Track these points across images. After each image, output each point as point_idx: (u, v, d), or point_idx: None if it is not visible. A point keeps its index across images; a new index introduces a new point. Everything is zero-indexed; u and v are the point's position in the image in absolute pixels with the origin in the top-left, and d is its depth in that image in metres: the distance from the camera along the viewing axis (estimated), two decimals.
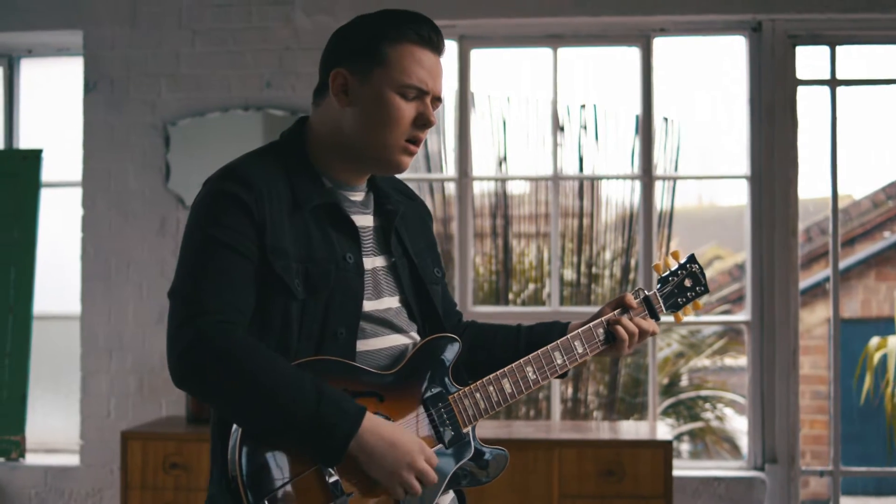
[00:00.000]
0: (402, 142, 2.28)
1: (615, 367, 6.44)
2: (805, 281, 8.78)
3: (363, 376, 2.24)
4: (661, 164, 5.95)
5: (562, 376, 2.50)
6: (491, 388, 2.35)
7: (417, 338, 2.40)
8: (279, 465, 2.12)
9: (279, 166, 2.28)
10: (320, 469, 2.14)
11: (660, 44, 5.68)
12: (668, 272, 2.62)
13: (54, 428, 6.06)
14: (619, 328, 2.47)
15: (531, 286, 6.37)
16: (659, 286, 2.60)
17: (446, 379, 2.34)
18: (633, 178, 5.87)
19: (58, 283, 6.00)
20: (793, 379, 5.47)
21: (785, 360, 5.47)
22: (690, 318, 6.72)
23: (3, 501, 5.77)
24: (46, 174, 5.89)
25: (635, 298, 2.53)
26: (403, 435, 2.17)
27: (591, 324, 2.49)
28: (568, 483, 4.79)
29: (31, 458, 5.82)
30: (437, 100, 2.32)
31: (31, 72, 6.18)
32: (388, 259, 2.38)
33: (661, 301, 2.57)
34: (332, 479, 2.14)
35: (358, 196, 2.38)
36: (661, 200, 5.98)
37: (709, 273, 7.75)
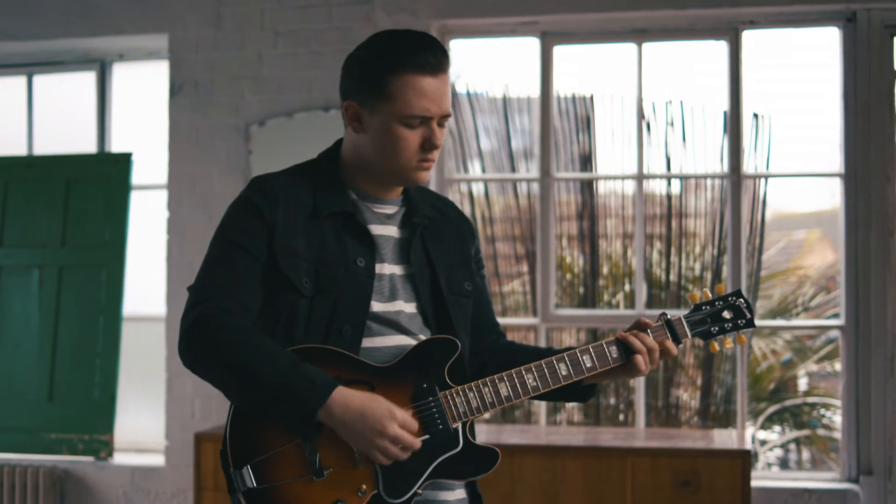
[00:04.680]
0: (414, 164, 2.45)
1: (708, 372, 6.23)
2: None
3: (358, 367, 2.37)
4: (750, 162, 5.71)
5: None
6: (486, 389, 2.44)
7: None
8: (264, 438, 2.32)
9: (307, 179, 2.49)
10: (302, 444, 2.31)
11: (749, 37, 5.47)
12: (703, 301, 2.64)
13: (143, 428, 6.14)
14: (633, 339, 2.52)
15: (626, 287, 6.20)
16: (689, 311, 2.64)
17: (441, 376, 2.42)
18: (721, 176, 5.65)
19: (146, 284, 6.07)
20: (890, 386, 5.20)
21: (882, 366, 5.21)
22: (795, 322, 6.48)
23: (91, 500, 5.86)
24: (135, 177, 5.98)
25: (656, 322, 2.57)
26: (373, 402, 2.29)
27: (604, 341, 2.55)
28: (642, 493, 4.62)
29: (119, 458, 5.92)
30: (445, 117, 2.46)
31: (123, 76, 6.27)
32: (407, 268, 2.52)
33: (685, 325, 2.60)
34: (311, 454, 2.30)
35: (388, 209, 2.54)
36: (751, 200, 5.74)
37: None
